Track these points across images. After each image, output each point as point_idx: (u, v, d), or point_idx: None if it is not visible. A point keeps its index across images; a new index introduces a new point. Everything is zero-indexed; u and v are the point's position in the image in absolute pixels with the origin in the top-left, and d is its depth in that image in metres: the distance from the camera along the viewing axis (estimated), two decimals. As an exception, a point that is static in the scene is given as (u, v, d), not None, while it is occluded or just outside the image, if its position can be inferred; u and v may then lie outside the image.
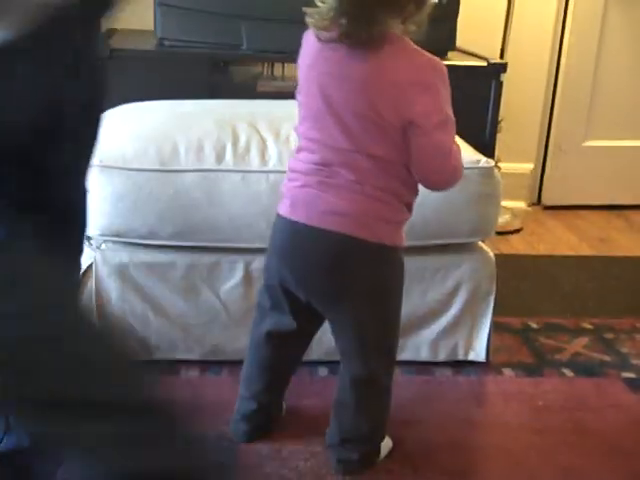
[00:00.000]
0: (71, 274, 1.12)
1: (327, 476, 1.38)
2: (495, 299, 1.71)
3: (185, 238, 1.59)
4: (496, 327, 1.78)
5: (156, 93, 1.91)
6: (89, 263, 1.60)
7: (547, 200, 2.98)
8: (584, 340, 1.92)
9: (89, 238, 1.62)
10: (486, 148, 2.15)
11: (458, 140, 1.34)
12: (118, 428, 0.86)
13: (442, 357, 1.74)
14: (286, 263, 1.33)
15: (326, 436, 1.42)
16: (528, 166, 2.96)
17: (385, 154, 1.24)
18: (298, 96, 1.31)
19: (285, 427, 1.50)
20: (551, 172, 2.96)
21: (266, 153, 1.60)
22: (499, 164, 1.91)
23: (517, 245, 2.58)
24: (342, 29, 1.19)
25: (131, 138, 1.61)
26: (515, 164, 2.87)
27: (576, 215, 2.88)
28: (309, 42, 1.27)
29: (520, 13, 2.65)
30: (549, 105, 2.90)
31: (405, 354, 1.68)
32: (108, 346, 0.90)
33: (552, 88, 2.88)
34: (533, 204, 2.99)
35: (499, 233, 2.45)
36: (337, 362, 1.41)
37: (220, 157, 1.58)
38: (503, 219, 2.58)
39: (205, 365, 1.68)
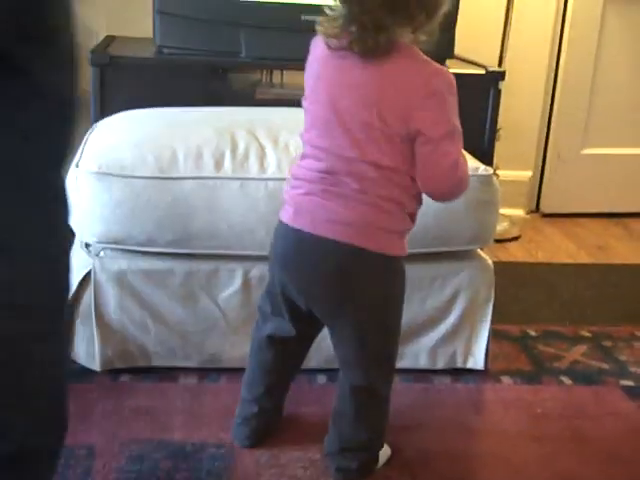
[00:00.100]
0: None
1: (326, 484, 1.38)
2: (494, 307, 1.71)
3: (183, 245, 1.59)
4: (495, 335, 1.78)
5: (155, 100, 1.92)
6: (87, 270, 1.60)
7: (545, 208, 2.98)
8: (582, 348, 1.92)
9: (87, 245, 1.63)
10: (485, 156, 2.16)
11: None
12: None
13: (441, 365, 1.74)
14: (287, 271, 1.33)
15: (325, 444, 1.42)
16: (527, 174, 2.96)
17: (391, 164, 1.24)
18: (304, 103, 1.31)
19: (284, 434, 1.49)
20: (549, 180, 2.96)
21: (265, 160, 1.60)
22: (498, 172, 1.91)
23: (516, 253, 2.59)
24: (352, 37, 1.19)
25: (130, 145, 1.61)
26: (513, 172, 2.87)
27: (574, 223, 2.88)
28: (317, 49, 1.27)
29: (518, 21, 2.66)
30: (547, 113, 2.91)
31: (404, 362, 1.68)
32: None
33: (550, 96, 2.89)
34: (531, 212, 2.99)
35: (498, 241, 2.46)
36: (336, 370, 1.41)
37: (219, 164, 1.58)
38: (502, 227, 2.59)
39: (203, 372, 1.68)
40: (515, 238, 2.70)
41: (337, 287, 1.29)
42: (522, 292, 2.23)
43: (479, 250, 1.72)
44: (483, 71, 2.34)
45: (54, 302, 0.91)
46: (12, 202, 0.85)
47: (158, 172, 1.56)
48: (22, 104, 0.83)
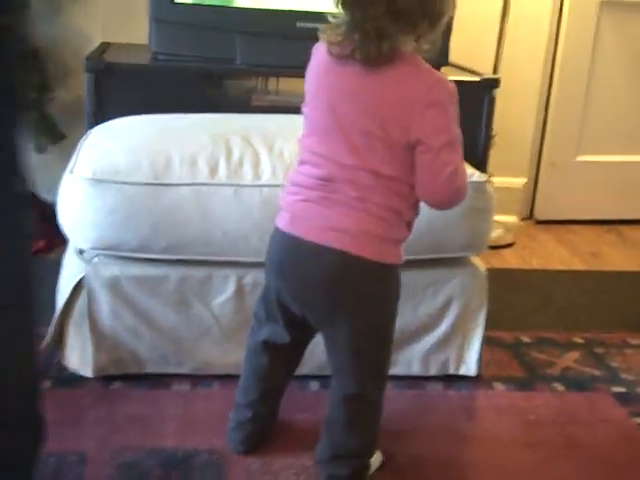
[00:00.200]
0: None
1: (318, 491, 1.38)
2: (487, 313, 1.72)
3: (177, 252, 1.59)
4: (487, 341, 1.78)
5: (150, 107, 1.92)
6: (81, 276, 1.60)
7: (539, 214, 2.99)
8: (575, 354, 1.92)
9: (81, 251, 1.63)
10: (479, 163, 2.17)
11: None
12: None
13: (433, 371, 1.74)
14: (283, 277, 1.33)
15: (316, 451, 1.41)
16: (521, 181, 2.97)
17: (390, 172, 1.24)
18: (305, 109, 1.31)
19: (276, 441, 1.49)
20: (543, 187, 2.97)
21: (259, 167, 1.61)
22: (492, 179, 1.91)
23: (509, 259, 2.59)
24: (354, 44, 1.20)
25: (124, 151, 1.62)
26: (508, 179, 2.88)
27: (568, 230, 2.89)
28: (319, 56, 1.28)
29: (513, 28, 2.67)
30: (541, 120, 2.92)
31: (396, 369, 1.68)
32: None
33: (545, 103, 2.90)
34: (525, 218, 3.00)
35: (492, 247, 2.46)
36: (328, 376, 1.41)
37: (213, 171, 1.59)
38: (496, 233, 2.59)
39: (196, 379, 1.68)
40: (509, 245, 2.71)
41: (332, 294, 1.29)
42: (516, 298, 2.24)
43: (472, 257, 1.73)
44: (478, 78, 2.35)
45: (15, 275, 0.89)
46: None
47: (152, 178, 1.57)
48: None
